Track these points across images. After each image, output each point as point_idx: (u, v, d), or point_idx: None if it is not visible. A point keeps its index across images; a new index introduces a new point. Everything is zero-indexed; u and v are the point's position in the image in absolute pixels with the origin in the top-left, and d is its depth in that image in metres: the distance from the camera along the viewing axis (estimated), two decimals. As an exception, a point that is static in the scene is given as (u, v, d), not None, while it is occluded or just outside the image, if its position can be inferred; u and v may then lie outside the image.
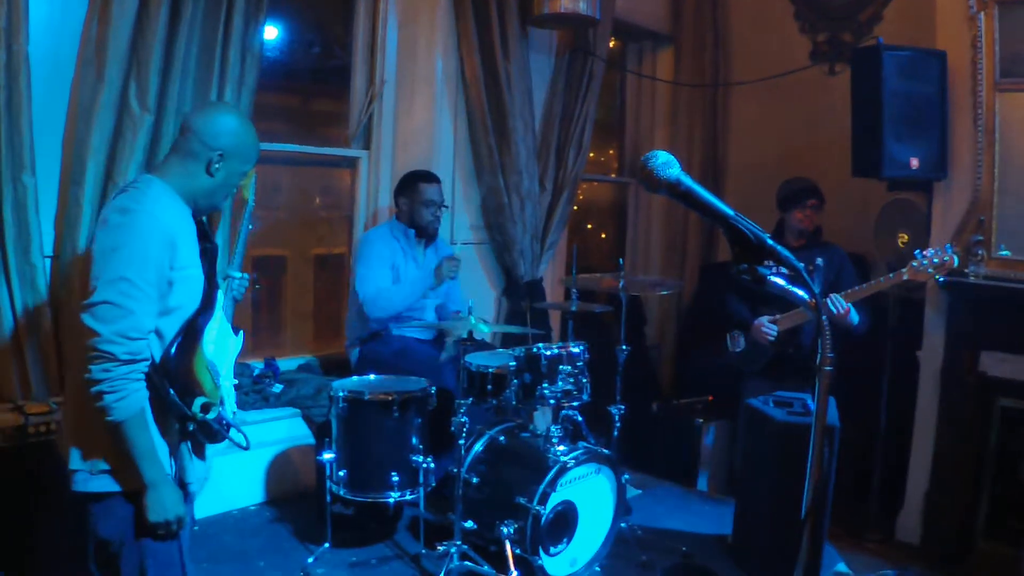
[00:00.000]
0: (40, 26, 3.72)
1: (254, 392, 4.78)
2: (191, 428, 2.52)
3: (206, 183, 2.62)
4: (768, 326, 4.74)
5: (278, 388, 4.86)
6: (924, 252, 4.10)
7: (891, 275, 4.20)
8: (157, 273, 2.40)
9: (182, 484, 2.60)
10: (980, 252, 4.56)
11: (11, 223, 3.62)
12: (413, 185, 4.95)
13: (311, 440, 4.85)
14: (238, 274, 2.94)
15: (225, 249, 4.04)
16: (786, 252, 1.71)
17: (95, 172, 3.87)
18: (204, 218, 2.78)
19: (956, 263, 4.09)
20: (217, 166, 2.61)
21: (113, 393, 2.31)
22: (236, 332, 2.84)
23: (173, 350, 2.47)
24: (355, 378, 4.37)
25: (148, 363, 2.40)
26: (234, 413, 2.75)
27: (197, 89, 4.18)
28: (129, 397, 2.33)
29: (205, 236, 2.71)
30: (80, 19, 3.89)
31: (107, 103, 3.87)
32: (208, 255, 2.66)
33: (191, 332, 2.54)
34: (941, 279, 4.17)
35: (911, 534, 4.87)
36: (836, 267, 4.78)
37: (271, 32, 5.15)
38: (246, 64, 4.35)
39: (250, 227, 3.04)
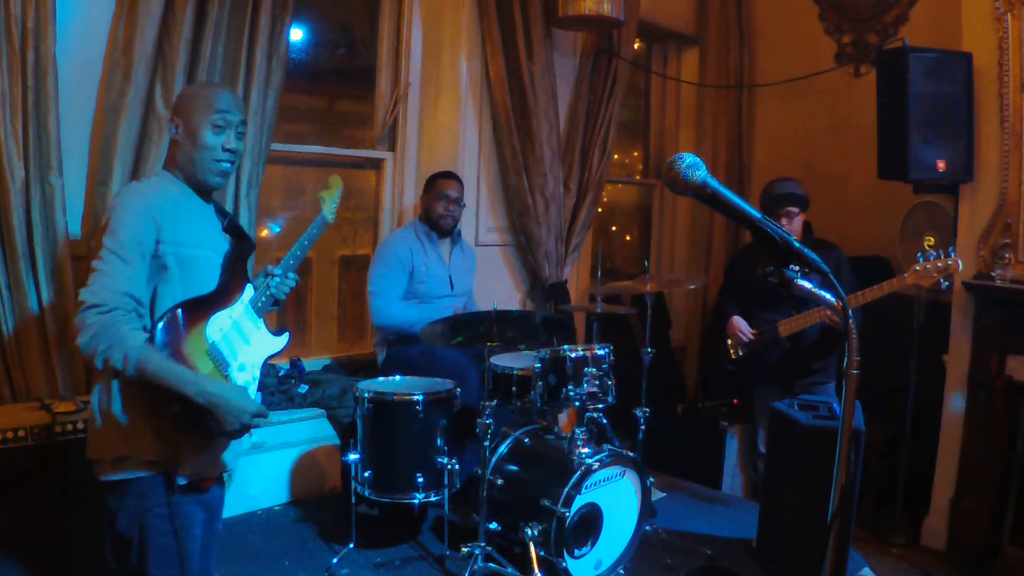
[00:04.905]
0: (67, 27, 3.77)
1: (280, 393, 4.79)
2: (174, 410, 2.45)
3: (181, 153, 2.66)
4: (743, 329, 4.74)
5: (304, 389, 4.87)
6: (927, 255, 4.07)
7: (894, 279, 4.18)
8: (136, 243, 2.45)
9: (175, 474, 2.55)
10: (1007, 255, 4.53)
11: (39, 223, 3.65)
12: (431, 182, 5.04)
13: (336, 441, 4.87)
14: (279, 271, 2.90)
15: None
16: (813, 255, 1.71)
17: (122, 172, 3.91)
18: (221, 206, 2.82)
19: (960, 267, 4.05)
20: (179, 130, 2.66)
21: (100, 343, 2.34)
22: (280, 332, 2.87)
23: (160, 325, 2.44)
24: (380, 379, 4.38)
25: (130, 314, 2.42)
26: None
27: (223, 90, 4.21)
28: (116, 345, 2.34)
29: (237, 233, 2.79)
30: (107, 20, 3.93)
31: (133, 104, 3.90)
32: (235, 248, 2.74)
33: (192, 313, 2.54)
34: (945, 283, 4.14)
35: (937, 539, 4.83)
36: (831, 270, 4.68)
37: (297, 34, 5.18)
38: (272, 65, 4.38)
39: (314, 234, 3.00)
